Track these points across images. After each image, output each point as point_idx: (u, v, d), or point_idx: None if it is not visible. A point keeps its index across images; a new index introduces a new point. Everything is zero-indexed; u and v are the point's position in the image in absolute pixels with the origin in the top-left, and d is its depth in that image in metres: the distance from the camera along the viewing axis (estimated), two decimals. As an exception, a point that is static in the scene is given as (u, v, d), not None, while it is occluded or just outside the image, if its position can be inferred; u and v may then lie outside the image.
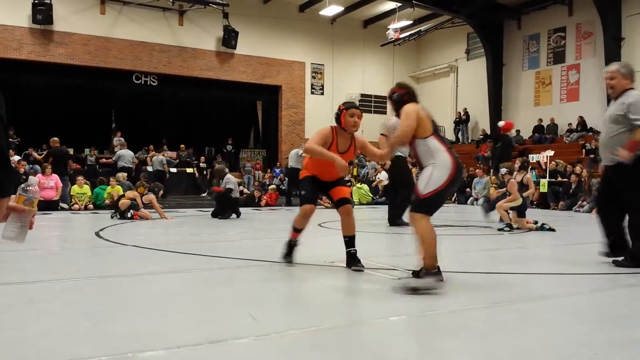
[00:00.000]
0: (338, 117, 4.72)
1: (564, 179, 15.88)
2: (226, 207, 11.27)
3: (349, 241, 4.83)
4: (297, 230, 4.95)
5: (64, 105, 20.26)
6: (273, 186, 16.66)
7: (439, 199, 4.02)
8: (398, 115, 4.27)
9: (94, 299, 3.68)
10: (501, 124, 11.91)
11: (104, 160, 18.15)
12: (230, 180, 11.52)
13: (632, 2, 18.57)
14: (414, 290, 3.74)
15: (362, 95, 25.32)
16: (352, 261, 4.77)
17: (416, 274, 4.12)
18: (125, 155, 15.73)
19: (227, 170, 12.21)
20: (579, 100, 20.34)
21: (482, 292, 4.00)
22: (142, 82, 21.13)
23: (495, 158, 10.87)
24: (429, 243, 3.90)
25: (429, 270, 3.87)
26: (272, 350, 2.62)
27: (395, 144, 4.31)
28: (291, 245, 5.01)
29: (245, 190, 15.73)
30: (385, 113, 25.72)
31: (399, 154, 9.19)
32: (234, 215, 11.25)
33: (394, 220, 9.29)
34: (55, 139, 14.53)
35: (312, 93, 24.42)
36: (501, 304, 3.54)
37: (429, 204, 4.01)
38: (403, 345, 2.75)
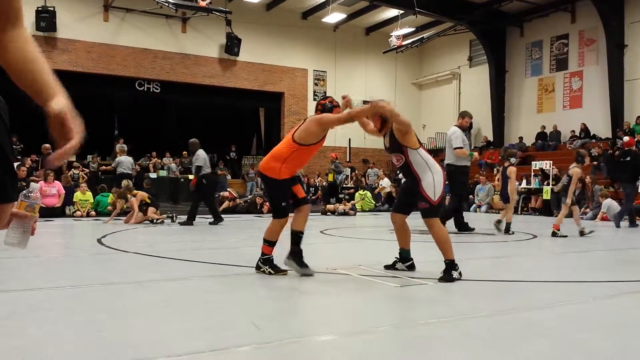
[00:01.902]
0: (330, 110, 4.98)
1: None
2: (200, 195, 10.74)
3: (300, 238, 4.91)
4: (272, 244, 4.88)
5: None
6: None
7: (443, 202, 4.91)
8: (381, 129, 4.94)
9: (95, 306, 3.67)
10: (626, 139, 12.59)
11: (103, 167, 18.09)
12: (200, 156, 10.88)
13: (635, 9, 18.58)
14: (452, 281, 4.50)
15: (364, 102, 25.23)
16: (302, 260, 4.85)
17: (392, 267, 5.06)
18: (125, 162, 15.69)
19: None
20: (582, 108, 20.32)
21: (485, 300, 3.98)
22: (145, 89, 21.18)
23: (628, 172, 11.73)
24: (449, 240, 4.64)
25: (453, 260, 4.59)
26: (274, 358, 2.61)
27: (397, 119, 4.68)
28: (271, 261, 4.88)
29: (239, 200, 15.67)
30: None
31: (465, 163, 9.39)
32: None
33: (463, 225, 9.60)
34: (47, 145, 14.60)
35: (315, 100, 24.43)
36: (504, 312, 3.52)
37: (439, 208, 4.80)
38: (406, 355, 2.73)
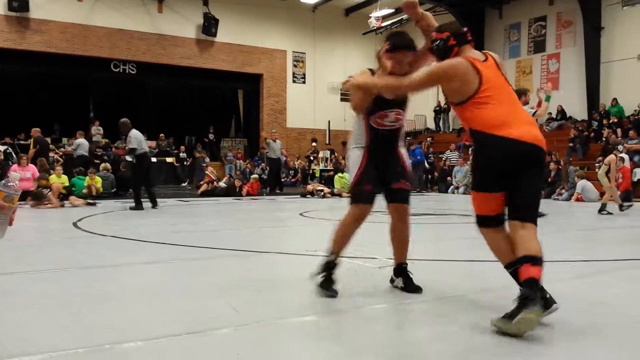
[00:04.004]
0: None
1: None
2: (131, 180, 10.31)
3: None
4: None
5: (41, 94, 19.93)
6: (255, 175, 16.58)
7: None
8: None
9: (72, 290, 3.63)
10: None
11: (61, 151, 17.53)
12: (132, 137, 10.22)
13: (611, -9, 18.71)
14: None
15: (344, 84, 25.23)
16: None
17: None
18: (84, 145, 15.56)
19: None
20: (559, 89, 20.50)
21: (462, 279, 4.03)
22: (121, 70, 20.85)
23: None
24: None
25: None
26: (252, 340, 2.61)
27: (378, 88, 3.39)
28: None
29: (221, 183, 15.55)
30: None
31: None
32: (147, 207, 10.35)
33: None
34: (37, 129, 14.67)
35: (294, 82, 24.30)
36: (482, 292, 3.56)
37: None
38: (385, 334, 2.75)
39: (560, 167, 14.99)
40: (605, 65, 18.75)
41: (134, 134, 10.35)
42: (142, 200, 10.28)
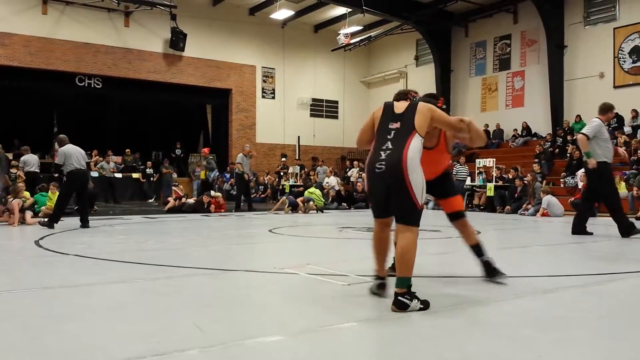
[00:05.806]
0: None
1: (507, 183, 16.21)
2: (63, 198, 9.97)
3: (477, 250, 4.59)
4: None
5: (3, 109, 19.47)
6: (218, 193, 16.31)
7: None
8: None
9: (32, 311, 3.51)
10: None
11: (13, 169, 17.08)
12: (59, 153, 9.81)
13: (574, 11, 19.25)
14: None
15: (313, 99, 25.36)
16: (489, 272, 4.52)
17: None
18: (30, 160, 15.14)
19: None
20: (524, 106, 20.93)
21: (430, 296, 4.01)
22: (86, 85, 20.51)
23: None
24: None
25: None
26: (219, 362, 2.54)
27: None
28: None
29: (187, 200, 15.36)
30: (336, 118, 25.85)
31: (602, 159, 8.00)
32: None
33: (580, 229, 8.47)
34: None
35: (263, 97, 24.29)
36: (448, 309, 3.55)
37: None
38: (353, 354, 2.71)
39: (525, 183, 15.22)
40: (568, 83, 19.23)
41: (64, 149, 9.92)
42: (59, 220, 9.88)
